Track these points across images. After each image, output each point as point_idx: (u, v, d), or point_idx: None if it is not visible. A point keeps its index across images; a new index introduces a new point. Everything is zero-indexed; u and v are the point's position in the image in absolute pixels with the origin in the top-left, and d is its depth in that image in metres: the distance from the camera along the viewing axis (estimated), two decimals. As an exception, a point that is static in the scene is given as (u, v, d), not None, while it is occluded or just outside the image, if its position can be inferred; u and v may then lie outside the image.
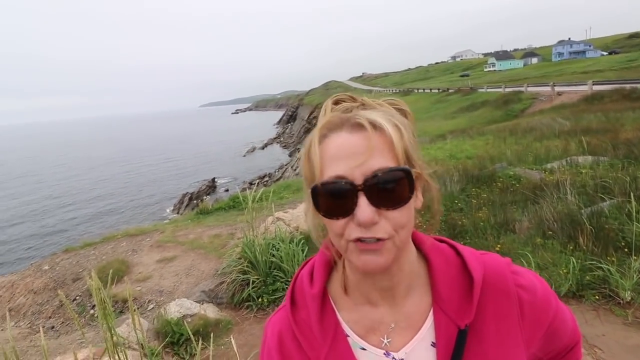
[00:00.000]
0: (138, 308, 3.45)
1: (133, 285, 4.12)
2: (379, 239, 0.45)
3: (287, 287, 3.05)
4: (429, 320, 0.53)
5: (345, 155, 0.46)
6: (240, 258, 3.20)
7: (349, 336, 0.53)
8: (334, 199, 0.46)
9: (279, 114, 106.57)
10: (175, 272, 4.38)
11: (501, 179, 5.03)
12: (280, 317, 0.57)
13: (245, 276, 3.03)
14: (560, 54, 69.69)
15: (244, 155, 47.18)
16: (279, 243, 3.24)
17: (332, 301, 0.56)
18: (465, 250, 0.57)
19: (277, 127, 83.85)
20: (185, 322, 2.60)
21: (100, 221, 20.78)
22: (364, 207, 0.44)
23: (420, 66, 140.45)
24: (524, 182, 4.84)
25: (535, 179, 4.83)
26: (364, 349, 0.53)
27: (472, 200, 4.47)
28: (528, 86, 25.50)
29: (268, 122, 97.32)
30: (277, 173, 35.00)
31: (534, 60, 73.18)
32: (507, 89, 27.34)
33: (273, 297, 3.01)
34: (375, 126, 0.46)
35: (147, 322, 2.70)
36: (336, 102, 0.54)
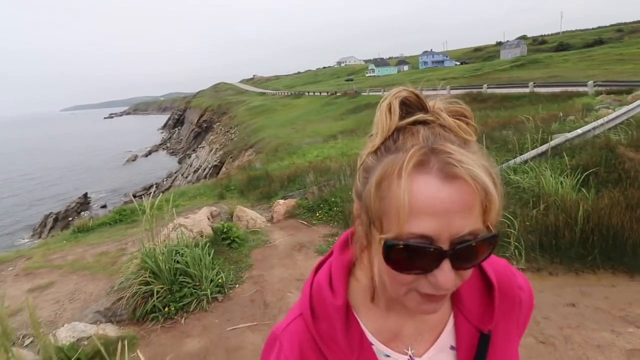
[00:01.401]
0: (12, 345, 2.96)
1: (-4, 324, 3.46)
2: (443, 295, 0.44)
3: (195, 292, 3.04)
4: (450, 325, 0.54)
5: (435, 212, 0.39)
6: (140, 269, 3.02)
7: (373, 345, 0.52)
8: (413, 258, 0.41)
9: (163, 118, 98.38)
10: (54, 299, 3.81)
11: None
12: (297, 328, 0.54)
13: (148, 287, 2.88)
14: (425, 62, 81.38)
15: (124, 165, 42.17)
16: (183, 249, 3.16)
17: (353, 309, 0.54)
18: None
19: (162, 132, 77.36)
20: (80, 346, 2.36)
21: None
22: (446, 272, 0.41)
23: (310, 70, 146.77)
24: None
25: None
26: (388, 355, 0.53)
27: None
28: (402, 90, 29.13)
29: (151, 126, 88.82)
30: (165, 182, 32.12)
31: (405, 67, 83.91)
32: (386, 92, 30.69)
33: (180, 303, 2.94)
34: (477, 181, 0.39)
35: (32, 353, 2.36)
36: (404, 103, 0.46)
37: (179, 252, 3.13)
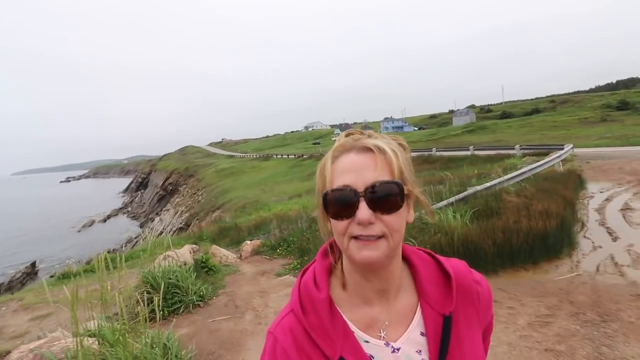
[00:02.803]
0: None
1: (9, 343, 4.27)
2: (374, 236, 0.57)
3: (183, 299, 4.14)
4: (418, 314, 0.66)
5: (352, 169, 0.59)
6: (140, 285, 4.09)
7: (354, 332, 0.63)
8: (340, 203, 0.59)
9: (126, 181, 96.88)
10: (57, 323, 4.64)
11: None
12: (289, 323, 0.64)
13: (149, 295, 3.94)
14: (386, 127, 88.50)
15: (79, 231, 40.39)
16: (174, 269, 4.30)
17: (335, 303, 0.64)
18: (437, 255, 0.72)
19: (123, 196, 75.81)
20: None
21: None
22: (363, 210, 0.57)
23: (278, 134, 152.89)
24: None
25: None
26: (367, 341, 0.63)
27: (315, 232, 6.41)
28: (364, 153, 31.87)
29: (111, 190, 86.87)
30: (124, 248, 31.15)
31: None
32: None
33: (172, 308, 4.00)
34: (379, 149, 0.60)
35: None
36: (348, 135, 0.66)
37: (171, 271, 4.27)
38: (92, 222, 45.41)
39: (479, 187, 8.15)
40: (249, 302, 4.23)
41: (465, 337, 0.65)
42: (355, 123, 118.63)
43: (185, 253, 5.19)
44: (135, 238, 36.03)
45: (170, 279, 4.20)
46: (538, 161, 14.12)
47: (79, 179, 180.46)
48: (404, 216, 0.61)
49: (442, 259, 0.71)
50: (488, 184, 8.27)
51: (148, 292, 4.05)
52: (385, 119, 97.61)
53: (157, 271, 4.18)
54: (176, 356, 2.71)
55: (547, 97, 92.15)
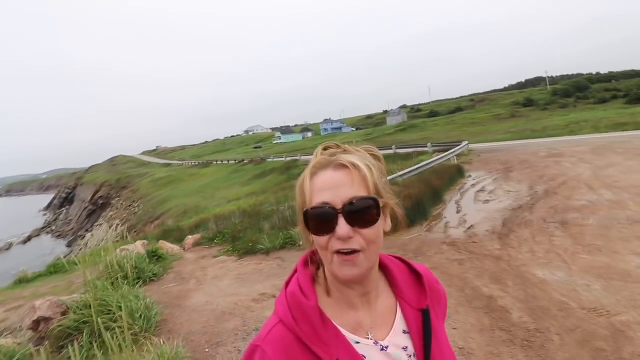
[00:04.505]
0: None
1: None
2: (353, 250, 0.63)
3: (141, 276, 5.62)
4: (398, 313, 0.73)
5: (330, 187, 0.64)
6: (107, 269, 5.46)
7: (345, 335, 0.67)
8: (320, 219, 0.63)
9: (47, 198, 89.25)
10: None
11: (264, 213, 8.97)
12: (279, 334, 0.66)
13: (117, 274, 5.35)
14: (325, 129, 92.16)
15: (-6, 256, 37.53)
16: (133, 257, 5.74)
17: (322, 309, 0.68)
18: (406, 259, 0.79)
19: (45, 214, 70.21)
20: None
21: None
22: (342, 225, 0.62)
23: (217, 139, 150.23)
24: (276, 211, 8.92)
25: (285, 210, 9.01)
26: (358, 342, 0.67)
27: (244, 223, 8.10)
28: (301, 155, 33.90)
29: (30, 208, 79.61)
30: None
31: (309, 134, 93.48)
32: (288, 158, 35.26)
33: (133, 283, 5.45)
34: (353, 165, 0.64)
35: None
36: (325, 148, 0.71)
37: (129, 257, 5.71)
38: (10, 245, 41.92)
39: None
40: (192, 274, 5.81)
41: (439, 329, 0.74)
42: (295, 125, 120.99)
43: (138, 246, 6.56)
44: (64, 258, 34.08)
45: (129, 262, 5.64)
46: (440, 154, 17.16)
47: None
48: (381, 227, 0.67)
49: (410, 262, 0.80)
50: (388, 178, 10.59)
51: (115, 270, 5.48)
52: (325, 120, 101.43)
53: (119, 257, 5.60)
54: (144, 300, 4.23)
55: (468, 95, 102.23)
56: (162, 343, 3.35)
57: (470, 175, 11.87)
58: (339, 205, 0.63)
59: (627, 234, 4.96)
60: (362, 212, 0.63)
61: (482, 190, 9.54)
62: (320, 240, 0.65)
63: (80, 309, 3.92)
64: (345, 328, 0.68)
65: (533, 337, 2.95)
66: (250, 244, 6.57)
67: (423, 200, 7.54)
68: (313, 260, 0.74)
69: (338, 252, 0.63)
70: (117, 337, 2.89)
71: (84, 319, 3.79)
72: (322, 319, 0.67)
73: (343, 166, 0.65)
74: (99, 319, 3.11)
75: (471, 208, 7.82)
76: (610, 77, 61.22)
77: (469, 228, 6.31)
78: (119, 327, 3.18)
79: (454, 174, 11.39)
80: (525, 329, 3.07)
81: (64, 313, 4.07)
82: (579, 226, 5.52)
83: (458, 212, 7.65)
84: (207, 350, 3.45)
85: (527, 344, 2.88)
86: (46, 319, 4.05)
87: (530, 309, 3.39)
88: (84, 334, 3.64)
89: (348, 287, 0.69)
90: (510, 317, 3.29)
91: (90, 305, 3.76)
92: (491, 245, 5.27)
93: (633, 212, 5.83)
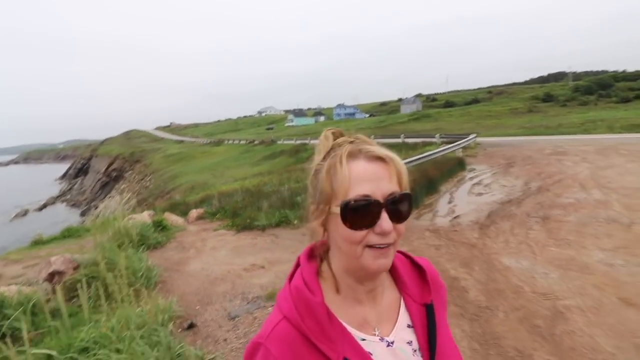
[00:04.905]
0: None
1: (12, 280, 6.00)
2: (388, 244, 0.63)
3: (146, 243, 6.15)
4: (402, 308, 0.73)
5: (370, 179, 0.62)
6: (116, 235, 6.00)
7: (351, 332, 0.67)
8: (362, 213, 0.61)
9: (62, 167, 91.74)
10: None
11: (265, 192, 9.43)
12: (284, 331, 0.64)
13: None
14: (339, 114, 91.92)
15: (11, 221, 38.66)
16: (139, 225, 6.26)
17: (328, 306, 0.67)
18: (407, 253, 0.79)
19: (60, 183, 72.38)
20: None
21: None
22: (385, 221, 0.61)
23: (230, 118, 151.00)
24: (276, 192, 9.36)
25: (285, 191, 9.44)
26: (364, 339, 0.67)
27: (245, 201, 8.58)
28: (311, 139, 34.20)
29: (47, 177, 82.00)
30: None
31: (322, 118, 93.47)
32: (298, 141, 35.60)
33: (138, 249, 5.98)
34: (391, 159, 0.65)
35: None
36: (336, 136, 0.70)
37: (136, 226, 6.23)
38: (26, 212, 43.43)
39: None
40: (193, 245, 6.31)
41: (442, 323, 0.74)
42: (308, 109, 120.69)
43: (144, 216, 7.09)
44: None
45: (135, 229, 6.17)
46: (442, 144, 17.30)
47: (6, 165, 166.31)
48: None
49: (412, 255, 0.79)
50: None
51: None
52: (338, 105, 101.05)
53: (127, 224, 6.12)
54: (146, 262, 4.75)
55: (486, 87, 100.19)
56: (159, 299, 3.84)
57: (472, 169, 12.10)
58: (381, 200, 0.62)
59: (600, 231, 5.24)
60: (402, 208, 0.64)
61: (478, 183, 9.80)
62: (356, 234, 0.63)
63: (90, 266, 4.45)
64: (352, 325, 0.68)
65: (481, 313, 3.33)
66: (249, 221, 7.02)
67: (416, 190, 7.86)
68: (315, 255, 0.73)
69: (372, 246, 0.63)
70: (121, 290, 3.37)
71: (93, 275, 4.31)
72: (329, 315, 0.66)
73: (379, 159, 0.64)
74: (108, 273, 3.61)
75: (463, 200, 8.12)
76: (637, 76, 59.15)
77: (454, 218, 6.64)
78: (123, 283, 3.68)
79: (454, 166, 11.63)
80: (477, 306, 3.46)
81: (75, 268, 4.61)
82: (558, 222, 5.81)
83: (450, 202, 7.97)
84: (197, 307, 3.93)
85: (475, 317, 3.27)
86: (60, 273, 4.60)
87: (488, 290, 3.76)
88: (92, 286, 4.16)
89: (360, 282, 0.69)
90: (467, 296, 3.68)
91: (98, 263, 4.28)
92: (470, 234, 5.61)
93: (615, 212, 6.07)
